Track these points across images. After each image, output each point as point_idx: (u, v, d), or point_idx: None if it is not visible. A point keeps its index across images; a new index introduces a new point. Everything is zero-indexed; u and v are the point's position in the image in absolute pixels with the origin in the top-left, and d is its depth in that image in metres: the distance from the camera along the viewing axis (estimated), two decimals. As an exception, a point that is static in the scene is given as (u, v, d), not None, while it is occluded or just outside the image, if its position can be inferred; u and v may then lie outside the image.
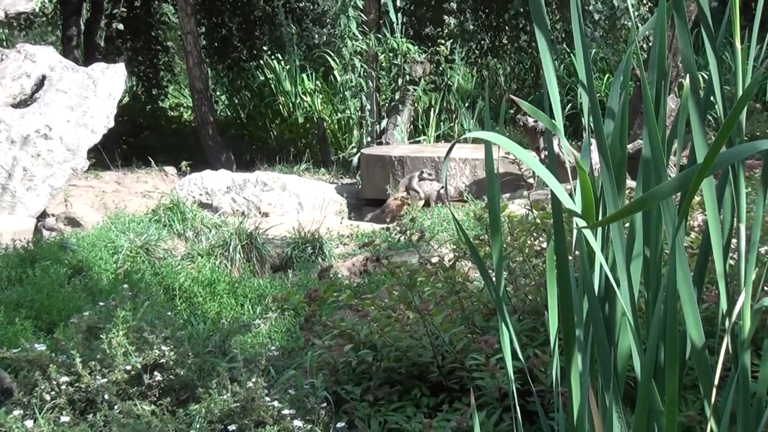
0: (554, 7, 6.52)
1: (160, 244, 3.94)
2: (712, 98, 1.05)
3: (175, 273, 3.47)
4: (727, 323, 0.99)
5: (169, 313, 2.26)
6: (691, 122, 1.00)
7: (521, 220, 2.06)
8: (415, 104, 7.05)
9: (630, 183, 1.23)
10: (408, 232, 2.09)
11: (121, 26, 7.07)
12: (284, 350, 2.31)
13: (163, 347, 1.91)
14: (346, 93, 7.05)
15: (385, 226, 4.42)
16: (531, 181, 4.41)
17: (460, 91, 7.81)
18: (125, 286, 2.53)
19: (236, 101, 8.49)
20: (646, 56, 4.69)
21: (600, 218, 1.04)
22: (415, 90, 6.75)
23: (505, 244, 1.97)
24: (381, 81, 6.89)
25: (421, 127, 7.43)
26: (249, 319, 2.92)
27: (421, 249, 2.26)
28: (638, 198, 0.87)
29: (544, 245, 1.98)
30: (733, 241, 1.05)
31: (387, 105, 6.94)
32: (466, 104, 7.65)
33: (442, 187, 4.98)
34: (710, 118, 5.45)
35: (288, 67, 8.18)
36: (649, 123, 0.97)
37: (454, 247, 2.19)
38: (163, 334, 1.97)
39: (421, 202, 5.04)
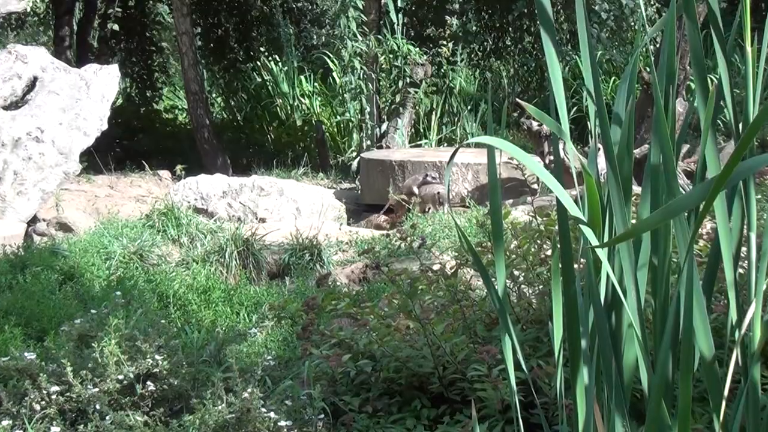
0: (559, 7, 6.54)
1: (154, 250, 3.94)
2: (721, 102, 1.05)
3: (169, 280, 3.47)
4: (736, 334, 0.99)
5: (162, 322, 2.26)
6: (701, 129, 1.00)
7: (525, 227, 2.06)
8: (416, 107, 7.06)
9: (635, 188, 1.23)
10: (408, 238, 2.09)
11: (115, 26, 7.09)
12: (281, 360, 2.30)
13: (157, 356, 1.91)
14: (345, 95, 7.06)
15: (385, 232, 4.44)
16: (535, 186, 4.42)
17: (463, 93, 7.83)
18: (118, 293, 2.53)
19: (232, 103, 8.49)
20: (653, 59, 4.70)
21: (606, 226, 1.04)
22: (416, 92, 6.77)
23: (508, 252, 1.97)
24: (381, 83, 6.91)
25: (422, 130, 7.44)
26: (245, 327, 2.92)
27: (422, 256, 2.27)
28: (655, 213, 0.87)
29: (549, 253, 1.97)
30: (743, 249, 1.05)
31: (387, 108, 6.95)
32: (469, 107, 7.66)
33: (438, 193, 4.97)
34: (719, 122, 5.46)
35: (286, 68, 8.19)
36: (661, 131, 0.97)
37: (456, 254, 2.19)
38: (157, 342, 1.97)
39: (426, 207, 5.03)
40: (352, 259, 4.02)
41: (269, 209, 5.17)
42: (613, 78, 7.42)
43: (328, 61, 7.82)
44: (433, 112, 7.43)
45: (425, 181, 5.14)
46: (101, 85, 4.98)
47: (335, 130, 7.70)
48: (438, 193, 4.95)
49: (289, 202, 5.28)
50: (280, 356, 2.40)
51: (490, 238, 2.00)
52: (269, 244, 4.10)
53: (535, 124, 5.13)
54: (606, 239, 1.03)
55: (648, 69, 5.02)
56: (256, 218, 5.05)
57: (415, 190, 5.14)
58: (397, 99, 6.77)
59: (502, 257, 1.14)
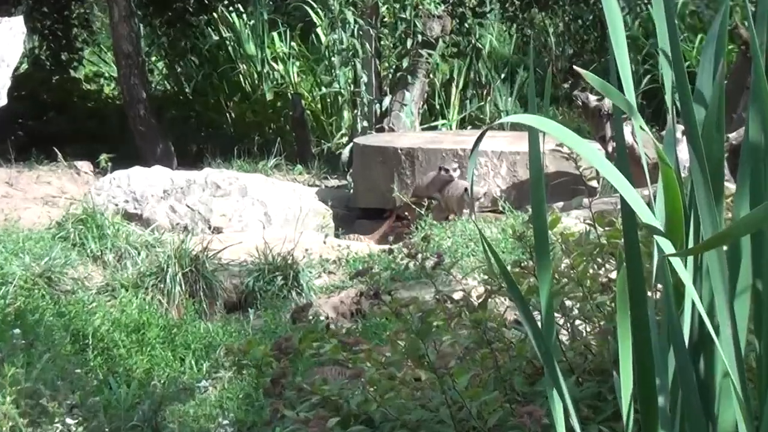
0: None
1: (68, 272, 3.94)
2: None
3: (87, 313, 3.46)
4: None
5: (78, 371, 2.26)
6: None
7: (580, 240, 2.05)
8: (431, 75, 7.08)
9: (730, 186, 1.23)
10: (419, 255, 2.08)
11: (18, -35, 7.15)
12: (242, 425, 2.29)
13: (69, 420, 1.90)
14: (333, 59, 7.08)
15: (387, 247, 4.44)
16: (594, 184, 4.41)
17: (494, 57, 7.86)
18: (17, 331, 2.53)
19: (179, 70, 8.54)
20: (753, 9, 4.70)
21: (691, 236, 1.04)
22: (430, 56, 6.80)
23: (557, 274, 1.96)
24: (383, 43, 6.94)
25: (438, 107, 7.46)
26: (192, 380, 2.91)
27: (439, 280, 2.28)
28: (757, 211, 0.86)
29: (613, 275, 1.98)
30: None
31: (391, 76, 6.98)
32: (502, 75, 7.69)
33: (466, 189, 4.97)
34: None
35: (252, 22, 8.25)
36: (762, 103, 0.97)
37: (485, 278, 2.20)
38: (69, 400, 1.97)
39: (449, 214, 5.02)
40: (342, 284, 4.03)
41: (227, 215, 5.18)
42: (699, 36, 7.45)
43: (311, 12, 7.86)
44: (454, 83, 7.46)
45: (443, 177, 5.13)
46: (0, 44, 5.00)
47: (319, 106, 7.73)
48: (465, 190, 4.94)
49: (255, 204, 5.29)
50: (241, 420, 2.40)
51: (532, 256, 1.99)
52: (227, 263, 4.11)
53: (593, 98, 5.14)
54: (691, 257, 1.02)
55: (746, 23, 5.03)
56: (210, 227, 5.07)
57: (436, 193, 5.13)
58: (405, 64, 6.80)
59: (548, 282, 1.15)
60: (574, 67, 1.13)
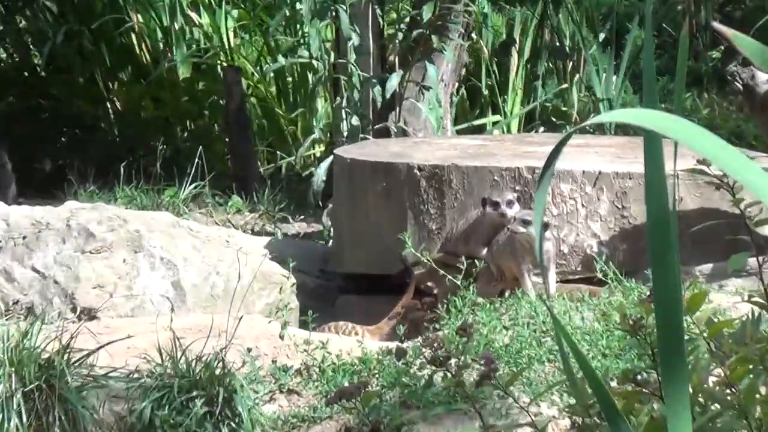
0: None
1: None
2: None
3: None
4: None
5: None
6: None
7: (742, 333, 2.08)
8: (473, 37, 7.16)
9: None
10: (453, 361, 2.09)
11: None
12: None
13: None
14: (299, 7, 7.16)
15: (394, 345, 4.40)
16: (766, 231, 4.39)
17: (586, 4, 7.95)
18: None
19: (22, 24, 8.64)
20: None
21: None
22: (469, 6, 6.88)
23: (702, 396, 1.99)
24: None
25: (487, 93, 7.53)
26: None
27: (488, 407, 2.27)
28: None
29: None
30: None
31: (402, 38, 7.06)
32: (600, 37, 7.77)
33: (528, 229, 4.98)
34: None
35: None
36: None
37: (572, 402, 2.21)
38: None
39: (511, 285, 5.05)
40: (312, 413, 4.05)
41: (106, 287, 5.21)
42: None
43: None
44: (515, 50, 7.52)
45: (493, 218, 5.14)
46: None
47: (273, 89, 7.80)
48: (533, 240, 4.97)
49: (157, 268, 5.34)
50: None
51: (655, 361, 1.97)
52: (105, 374, 4.12)
53: (762, 77, 5.18)
54: None
55: None
56: (75, 309, 5.09)
57: (481, 248, 5.14)
58: (426, 16, 6.87)
59: (685, 410, 1.16)
60: (713, 24, 1.13)
